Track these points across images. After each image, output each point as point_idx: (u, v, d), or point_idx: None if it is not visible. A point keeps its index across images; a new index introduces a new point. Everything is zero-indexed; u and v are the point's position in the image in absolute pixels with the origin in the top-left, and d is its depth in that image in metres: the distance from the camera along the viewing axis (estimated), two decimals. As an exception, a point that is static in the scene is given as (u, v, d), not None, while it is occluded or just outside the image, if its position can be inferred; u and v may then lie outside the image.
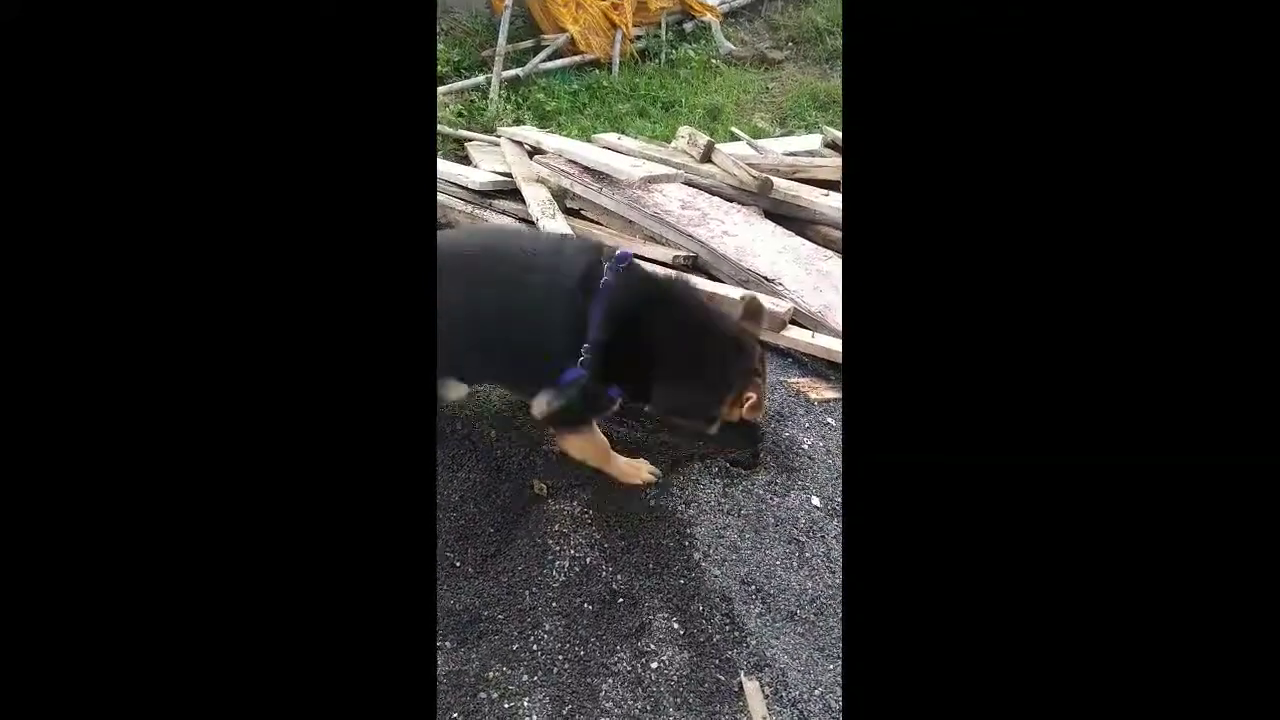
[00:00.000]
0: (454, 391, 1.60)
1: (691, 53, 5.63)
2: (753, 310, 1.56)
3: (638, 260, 1.50)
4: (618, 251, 1.46)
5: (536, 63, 4.93)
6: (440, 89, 4.38)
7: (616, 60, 5.32)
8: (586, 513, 1.52)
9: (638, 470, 1.59)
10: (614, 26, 5.35)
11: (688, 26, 5.99)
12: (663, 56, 5.61)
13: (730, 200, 2.77)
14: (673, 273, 1.77)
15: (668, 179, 2.49)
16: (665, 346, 1.43)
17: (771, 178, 2.64)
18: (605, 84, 5.04)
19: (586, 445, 1.55)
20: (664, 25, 5.80)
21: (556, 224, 2.36)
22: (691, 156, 3.04)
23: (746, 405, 1.44)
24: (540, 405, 1.48)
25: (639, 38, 5.63)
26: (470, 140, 3.69)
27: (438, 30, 5.12)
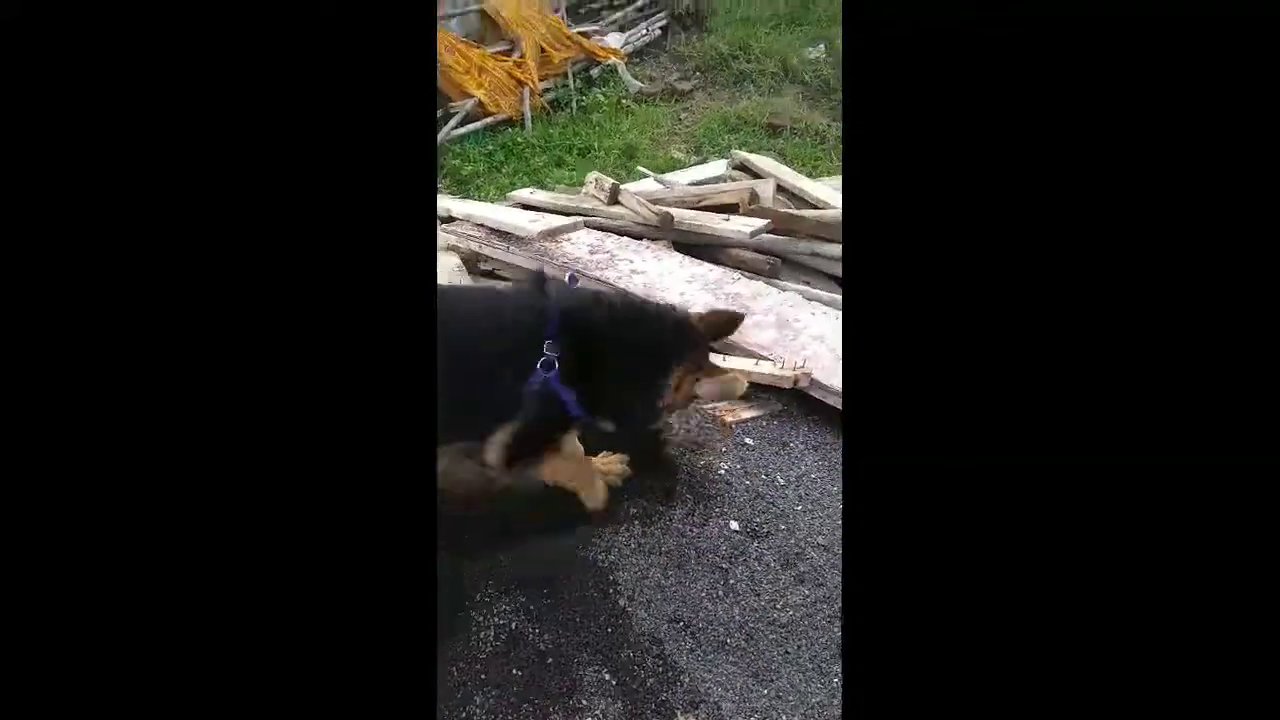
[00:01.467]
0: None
1: (601, 96, 5.79)
2: (715, 321, 1.56)
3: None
4: (568, 273, 1.50)
5: (448, 130, 5.03)
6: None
7: (528, 115, 5.46)
8: (508, 570, 1.51)
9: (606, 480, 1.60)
10: (520, 84, 5.49)
11: (594, 72, 6.18)
12: (574, 105, 5.77)
13: (639, 238, 2.83)
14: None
15: (566, 230, 2.55)
16: (614, 347, 1.43)
17: (671, 211, 2.71)
18: (519, 140, 5.16)
19: (563, 467, 1.53)
20: (570, 74, 5.98)
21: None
22: (600, 200, 3.12)
23: (689, 386, 1.44)
24: (494, 443, 1.42)
25: (547, 90, 5.78)
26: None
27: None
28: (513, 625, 1.43)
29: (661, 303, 1.56)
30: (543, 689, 1.36)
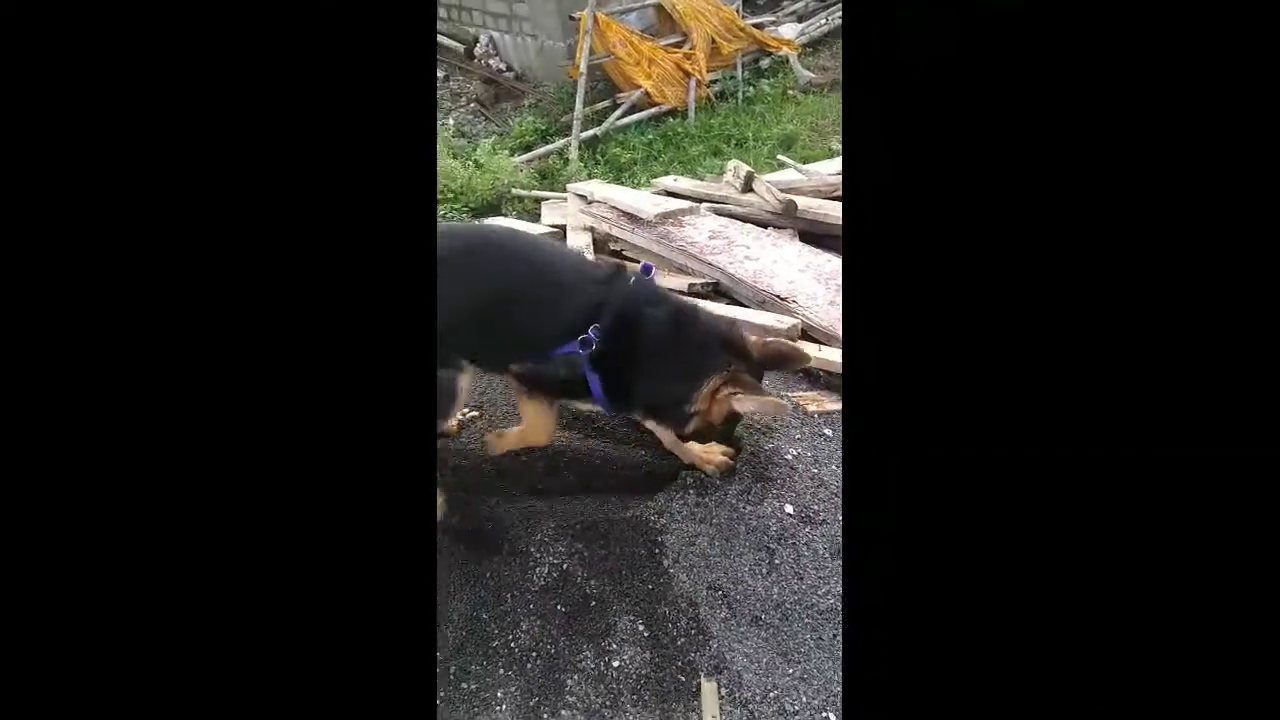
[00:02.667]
0: (466, 379, 1.66)
1: (767, 87, 5.75)
2: (774, 352, 1.58)
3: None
4: (642, 264, 1.63)
5: (613, 120, 5.29)
6: (523, 156, 4.83)
7: (692, 106, 5.57)
8: (568, 523, 1.64)
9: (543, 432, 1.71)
10: (687, 75, 5.61)
11: (764, 63, 6.13)
12: (739, 95, 5.78)
13: (765, 226, 2.83)
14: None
15: (685, 213, 2.62)
16: (651, 347, 1.51)
17: (796, 199, 2.67)
18: (680, 129, 5.29)
19: (540, 420, 1.65)
20: (739, 66, 5.99)
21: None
22: (735, 187, 3.16)
23: (726, 401, 1.47)
24: (520, 366, 1.57)
25: (714, 81, 5.85)
26: (544, 199, 4.04)
27: (527, 103, 5.65)
28: (564, 566, 1.56)
29: (718, 317, 1.60)
30: (581, 628, 1.47)
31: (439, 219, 3.70)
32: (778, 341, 1.63)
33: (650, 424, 1.70)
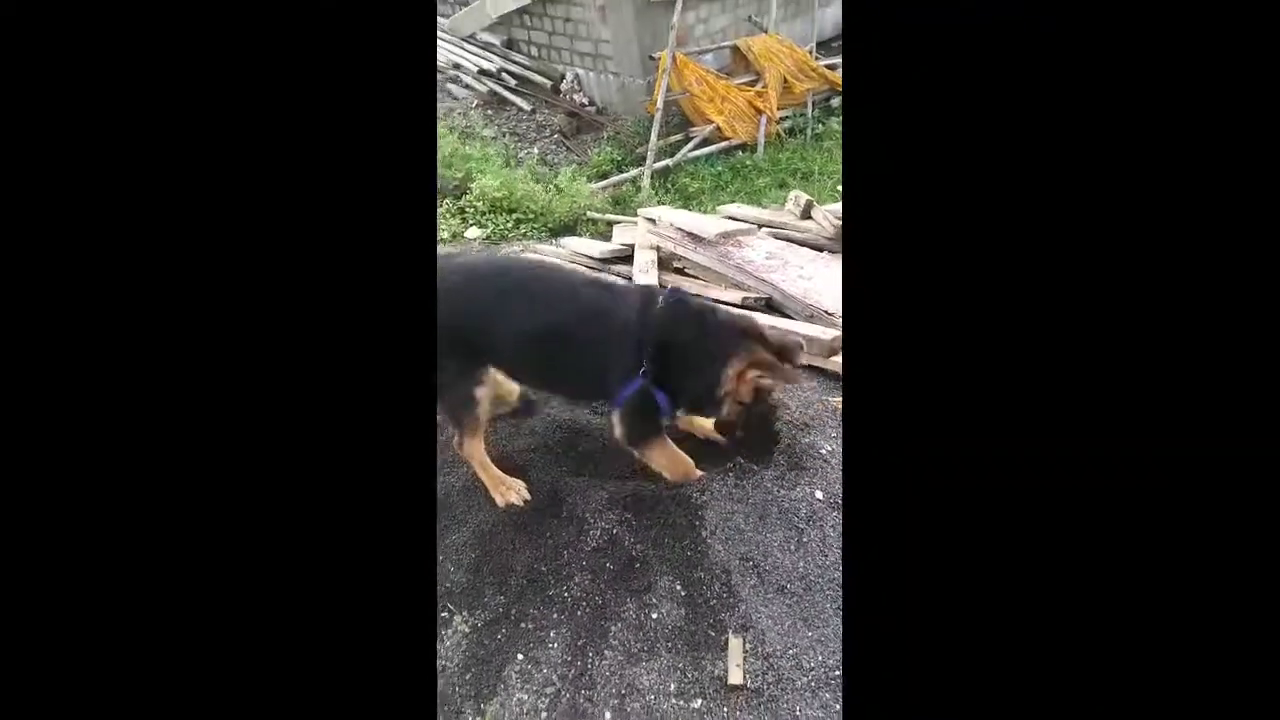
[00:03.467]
0: (486, 386, 1.83)
1: (835, 125, 5.93)
2: (785, 348, 1.72)
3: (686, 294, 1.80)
4: (669, 288, 1.82)
5: (685, 152, 5.59)
6: (599, 183, 5.16)
7: (761, 141, 5.81)
8: (620, 495, 1.85)
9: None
10: (758, 112, 5.87)
11: (834, 102, 6.33)
12: (808, 132, 5.98)
13: (820, 249, 3.01)
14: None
15: (742, 234, 2.83)
16: (683, 351, 1.68)
17: (850, 226, 2.85)
18: (748, 163, 5.53)
19: (663, 458, 1.81)
20: (810, 104, 6.20)
21: (646, 278, 2.80)
22: (795, 215, 3.35)
23: (750, 379, 1.62)
24: (617, 428, 1.77)
25: (785, 118, 6.08)
26: (616, 221, 4.33)
27: (606, 135, 6.02)
28: (614, 532, 1.77)
29: (738, 314, 1.78)
30: (626, 584, 1.67)
31: (513, 238, 4.03)
32: (785, 333, 1.77)
33: (691, 418, 1.88)
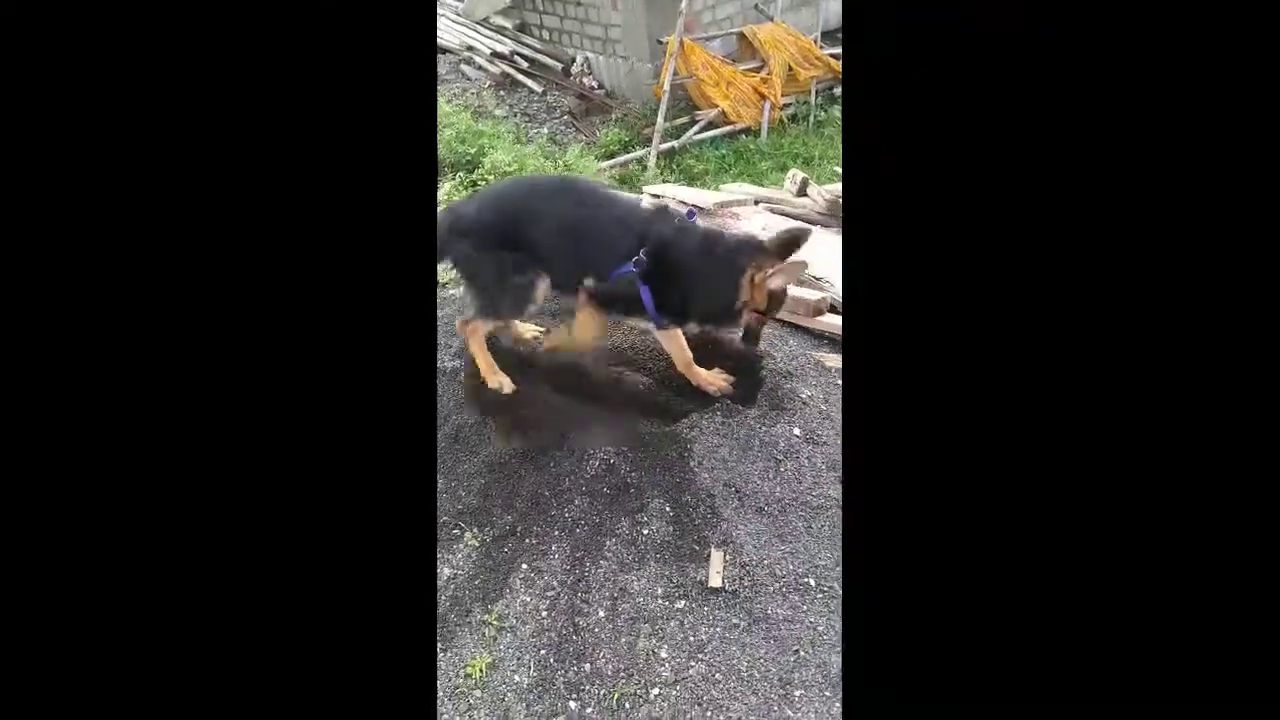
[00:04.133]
0: (542, 289, 1.97)
1: (837, 113, 6.07)
2: (783, 242, 1.81)
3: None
4: (687, 209, 1.97)
5: (690, 134, 5.74)
6: (606, 162, 5.32)
7: (765, 126, 5.95)
8: (617, 430, 2.03)
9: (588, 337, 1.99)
10: (762, 98, 6.01)
11: (838, 90, 6.46)
12: (811, 119, 6.13)
13: (813, 224, 3.18)
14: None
15: (737, 204, 3.00)
16: (693, 265, 1.80)
17: (840, 199, 3.01)
18: (751, 147, 5.68)
19: (590, 322, 1.92)
20: (814, 91, 6.34)
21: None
22: (791, 192, 3.53)
23: (763, 283, 1.73)
24: (586, 293, 1.87)
25: (788, 105, 6.22)
26: (621, 198, 4.51)
27: (614, 117, 6.17)
28: (611, 461, 1.95)
29: (730, 234, 1.91)
30: (620, 505, 1.85)
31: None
32: (783, 231, 1.86)
33: (700, 331, 1.99)
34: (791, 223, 2.40)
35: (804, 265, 1.85)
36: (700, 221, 1.94)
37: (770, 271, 1.74)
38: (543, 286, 1.93)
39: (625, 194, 2.18)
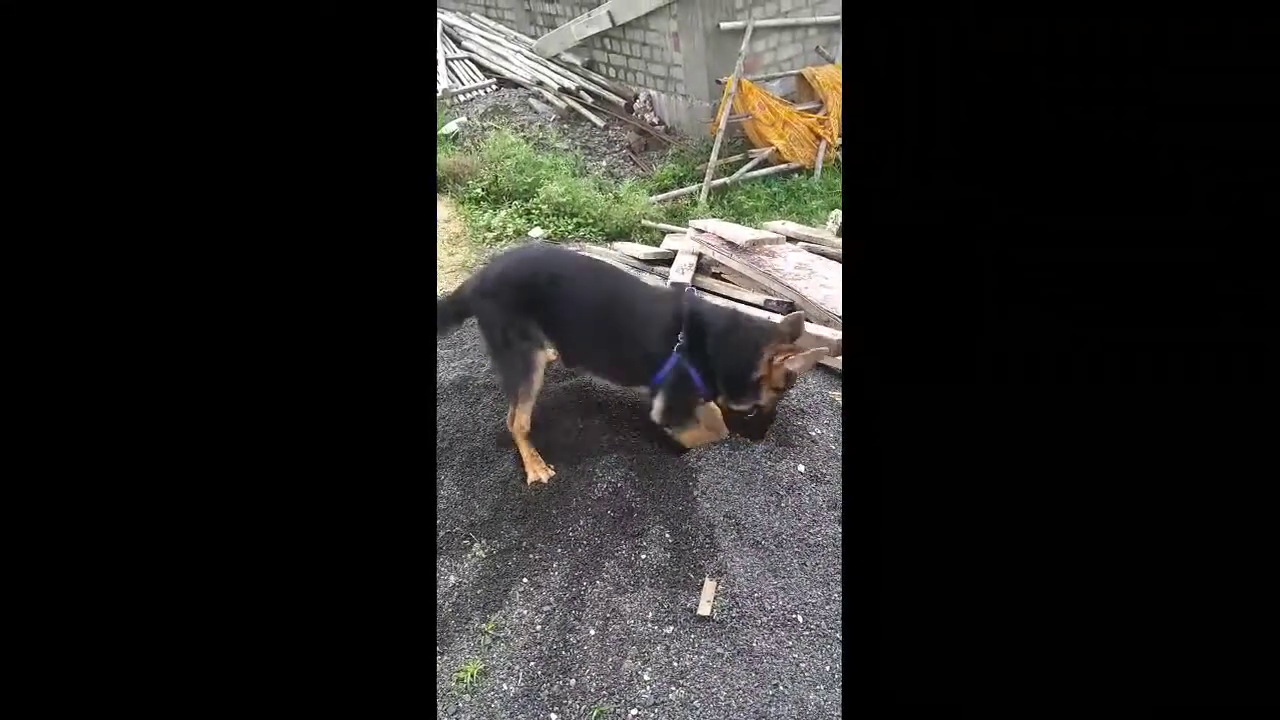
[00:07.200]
0: (543, 359, 2.09)
1: (895, 154, 6.05)
2: (792, 325, 1.97)
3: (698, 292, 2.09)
4: (686, 287, 2.08)
5: (743, 172, 5.82)
6: (658, 196, 5.44)
7: (819, 165, 5.97)
8: (626, 456, 2.09)
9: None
10: (818, 138, 6.05)
11: (897, 132, 6.44)
12: (867, 159, 6.11)
13: (849, 264, 3.20)
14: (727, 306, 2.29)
15: (770, 242, 3.05)
16: (720, 341, 1.93)
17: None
18: (804, 186, 5.71)
19: (698, 435, 2.06)
20: (872, 132, 6.34)
21: (682, 278, 3.05)
22: (832, 232, 3.55)
23: (782, 364, 1.85)
24: (656, 409, 2.02)
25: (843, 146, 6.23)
26: (668, 231, 4.61)
27: (671, 153, 6.32)
28: (618, 485, 2.01)
29: (756, 317, 2.03)
30: (623, 528, 1.91)
31: (576, 238, 4.35)
32: (790, 316, 2.00)
33: (724, 400, 2.08)
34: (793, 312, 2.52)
35: (824, 353, 1.92)
36: (735, 259, 2.06)
37: (789, 354, 1.84)
38: (542, 357, 2.03)
39: (639, 275, 2.29)
